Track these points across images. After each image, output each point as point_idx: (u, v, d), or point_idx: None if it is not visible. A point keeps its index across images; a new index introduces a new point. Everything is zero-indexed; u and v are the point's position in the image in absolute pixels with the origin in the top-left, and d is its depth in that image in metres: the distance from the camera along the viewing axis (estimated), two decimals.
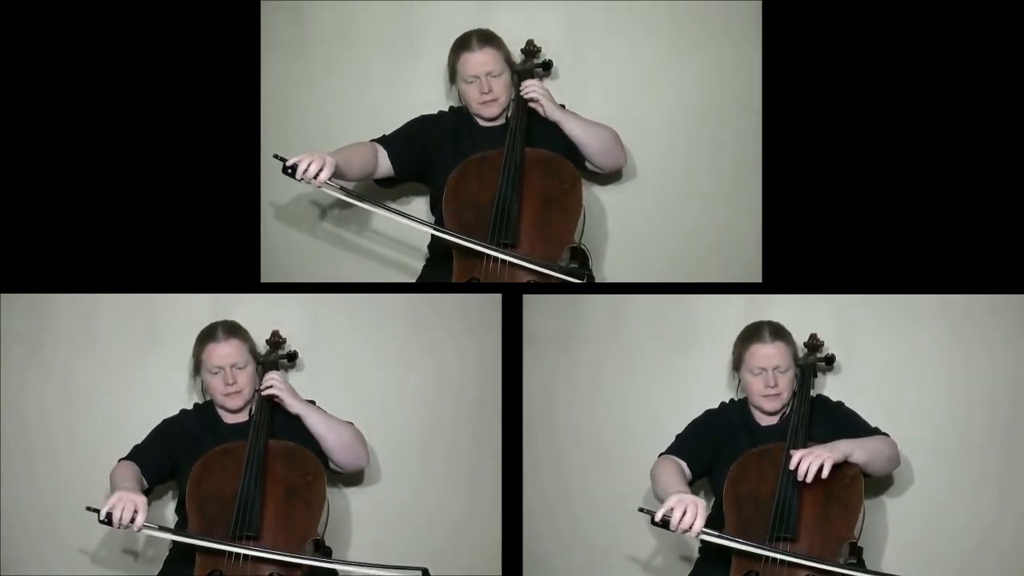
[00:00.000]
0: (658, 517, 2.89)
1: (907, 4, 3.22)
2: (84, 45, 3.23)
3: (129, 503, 2.96)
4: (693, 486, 3.10)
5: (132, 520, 2.95)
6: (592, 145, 3.25)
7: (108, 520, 2.95)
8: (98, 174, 3.24)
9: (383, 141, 3.27)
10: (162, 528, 3.06)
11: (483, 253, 3.14)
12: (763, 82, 3.26)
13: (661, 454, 3.13)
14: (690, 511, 2.88)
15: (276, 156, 3.06)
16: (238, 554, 2.98)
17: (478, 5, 3.37)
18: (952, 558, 3.15)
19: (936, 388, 3.22)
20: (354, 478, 3.24)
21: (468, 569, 3.15)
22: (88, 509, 2.99)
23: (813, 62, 3.23)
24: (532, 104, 3.24)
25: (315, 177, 3.03)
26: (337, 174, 3.08)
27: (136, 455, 3.13)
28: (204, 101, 3.24)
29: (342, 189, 3.10)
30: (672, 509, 2.88)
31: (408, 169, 3.28)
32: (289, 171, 3.03)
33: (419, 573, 2.98)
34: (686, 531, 2.88)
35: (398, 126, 3.30)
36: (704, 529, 2.89)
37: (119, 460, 3.12)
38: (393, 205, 3.34)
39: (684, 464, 3.10)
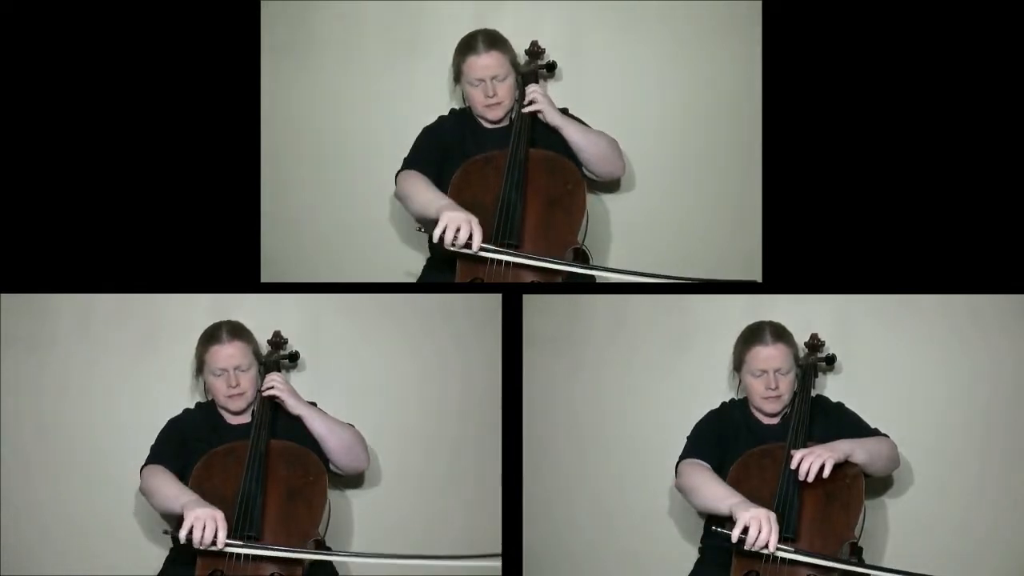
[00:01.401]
0: (734, 538, 2.86)
1: (907, 4, 3.23)
2: (84, 45, 3.22)
3: (210, 520, 2.88)
4: None
5: (214, 540, 2.88)
6: (590, 152, 3.24)
7: (188, 541, 2.87)
8: (98, 174, 3.23)
9: (414, 166, 3.22)
10: (247, 544, 2.94)
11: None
12: (763, 82, 3.26)
13: (680, 461, 3.11)
14: (764, 529, 2.85)
15: (419, 230, 3.11)
16: (239, 554, 2.97)
17: (480, 5, 3.36)
18: (952, 558, 3.15)
19: (936, 388, 3.22)
20: (355, 479, 3.24)
21: (468, 568, 3.14)
22: (165, 533, 2.96)
23: (813, 62, 3.24)
24: (533, 107, 3.24)
25: (469, 240, 3.03)
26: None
27: (159, 459, 3.09)
28: (204, 102, 3.23)
29: (496, 250, 3.09)
30: (747, 528, 2.85)
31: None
32: (439, 243, 3.04)
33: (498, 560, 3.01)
34: (762, 549, 2.86)
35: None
36: (780, 546, 2.86)
37: (145, 467, 3.08)
38: None
39: (708, 466, 3.07)
